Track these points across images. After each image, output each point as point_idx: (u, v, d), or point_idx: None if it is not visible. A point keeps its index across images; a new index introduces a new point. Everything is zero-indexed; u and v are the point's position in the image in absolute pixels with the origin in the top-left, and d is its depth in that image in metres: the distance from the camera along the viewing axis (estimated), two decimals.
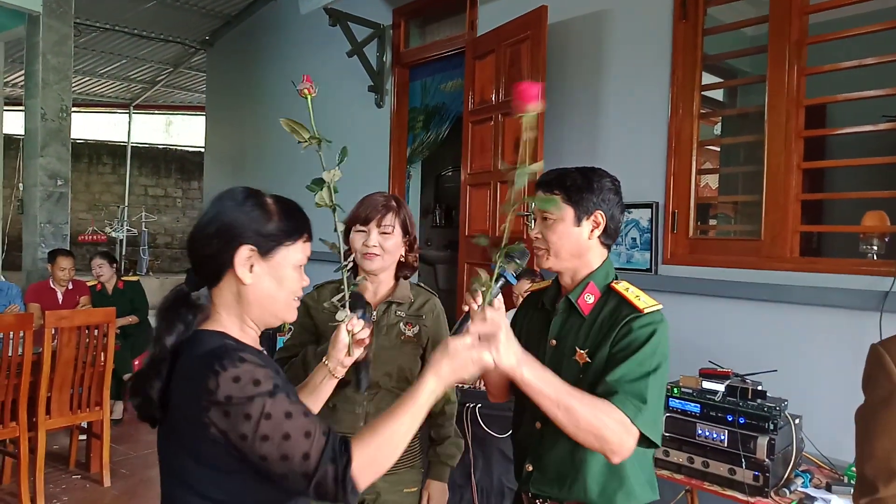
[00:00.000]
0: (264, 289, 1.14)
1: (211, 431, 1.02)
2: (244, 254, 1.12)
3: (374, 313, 1.73)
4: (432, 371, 1.14)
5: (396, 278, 1.81)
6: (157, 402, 1.08)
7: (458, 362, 1.14)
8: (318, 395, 1.37)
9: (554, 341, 1.48)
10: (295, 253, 1.17)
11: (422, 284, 1.89)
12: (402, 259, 1.79)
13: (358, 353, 1.35)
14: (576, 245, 1.45)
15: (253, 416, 1.01)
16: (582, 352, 1.40)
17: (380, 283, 1.77)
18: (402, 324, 1.75)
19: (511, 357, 1.19)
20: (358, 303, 1.39)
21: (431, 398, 1.13)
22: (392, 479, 1.73)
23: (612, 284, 1.46)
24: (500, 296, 1.34)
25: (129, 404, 4.63)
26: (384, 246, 1.69)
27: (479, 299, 1.27)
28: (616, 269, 3.78)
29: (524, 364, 1.22)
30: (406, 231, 1.76)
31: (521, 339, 1.55)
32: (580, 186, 1.44)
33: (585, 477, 1.38)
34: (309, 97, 1.29)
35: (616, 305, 1.42)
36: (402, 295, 1.78)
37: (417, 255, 1.83)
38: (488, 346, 1.16)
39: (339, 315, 1.34)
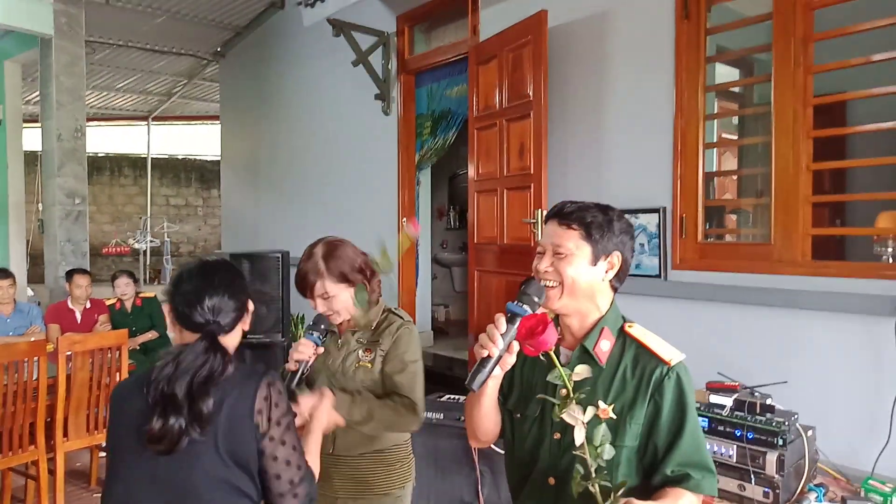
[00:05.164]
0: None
1: (256, 433, 1.30)
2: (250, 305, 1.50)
3: (339, 340, 1.91)
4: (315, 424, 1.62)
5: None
6: (206, 415, 1.27)
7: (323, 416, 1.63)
8: None
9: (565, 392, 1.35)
10: None
11: (394, 310, 1.94)
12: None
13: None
14: (589, 285, 1.34)
15: (284, 424, 1.36)
16: (606, 407, 1.23)
17: (344, 320, 1.91)
18: (360, 351, 1.87)
19: None
20: (315, 326, 1.80)
21: (319, 435, 1.60)
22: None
23: (626, 328, 1.36)
24: (514, 342, 1.23)
25: None
26: (331, 307, 1.85)
27: (499, 344, 1.22)
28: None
29: None
30: (345, 278, 1.83)
31: (518, 388, 1.42)
32: (601, 225, 1.34)
33: None
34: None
35: (636, 355, 1.32)
36: (364, 323, 1.90)
37: (380, 280, 1.93)
38: None
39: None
